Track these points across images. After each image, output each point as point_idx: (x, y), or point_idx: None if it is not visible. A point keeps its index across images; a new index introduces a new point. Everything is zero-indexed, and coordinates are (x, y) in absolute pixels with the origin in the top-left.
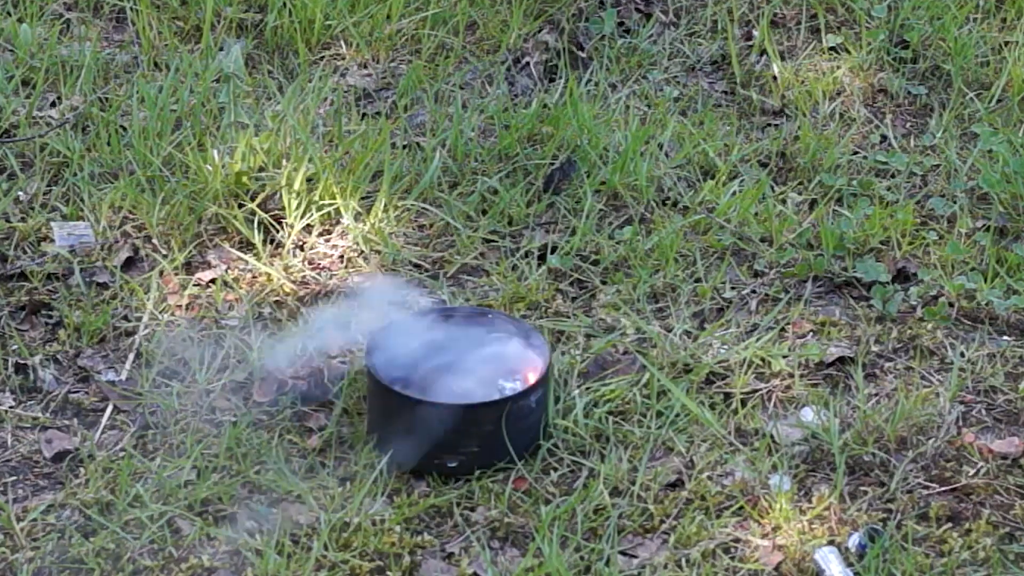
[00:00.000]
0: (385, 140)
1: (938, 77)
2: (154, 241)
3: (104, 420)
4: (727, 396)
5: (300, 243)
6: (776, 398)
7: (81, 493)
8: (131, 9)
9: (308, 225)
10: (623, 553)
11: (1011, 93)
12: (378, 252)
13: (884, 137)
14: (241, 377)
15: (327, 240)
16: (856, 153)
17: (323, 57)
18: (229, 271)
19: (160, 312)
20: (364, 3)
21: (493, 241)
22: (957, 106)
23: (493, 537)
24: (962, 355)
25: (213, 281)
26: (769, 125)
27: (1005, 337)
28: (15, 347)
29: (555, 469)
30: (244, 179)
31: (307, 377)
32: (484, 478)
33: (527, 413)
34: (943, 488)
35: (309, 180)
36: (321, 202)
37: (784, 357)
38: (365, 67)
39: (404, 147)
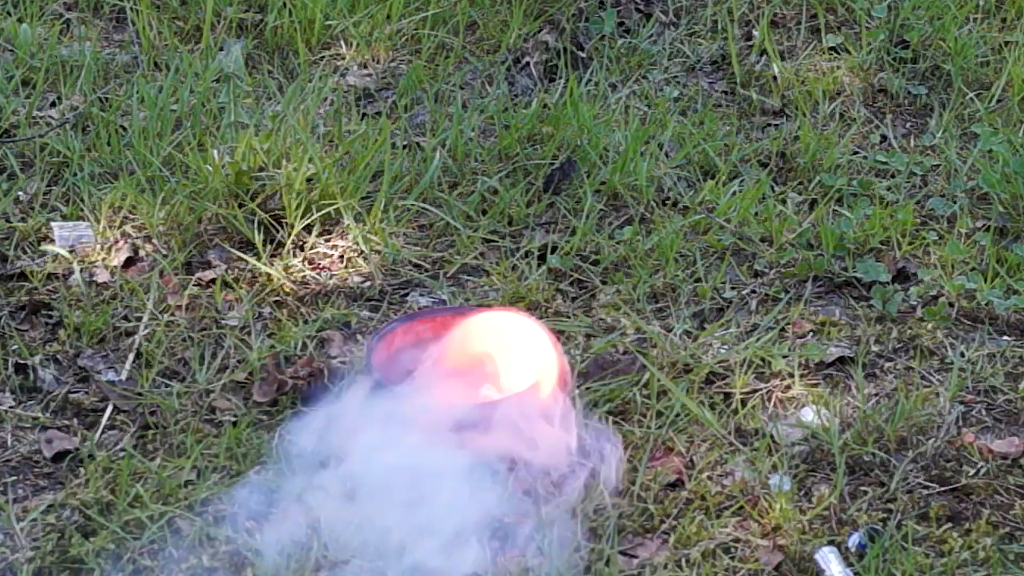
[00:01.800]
0: (385, 140)
1: (938, 77)
2: (154, 241)
3: (104, 420)
4: (727, 396)
5: (300, 243)
6: (776, 398)
7: (81, 493)
8: (131, 9)
9: (308, 225)
10: (623, 553)
11: (1011, 93)
12: (378, 252)
13: (884, 137)
14: (241, 377)
15: (327, 240)
16: (856, 153)
17: (323, 57)
18: (229, 271)
19: (160, 312)
20: (364, 3)
21: (493, 241)
22: (957, 106)
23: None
24: (962, 355)
25: (213, 281)
26: (769, 125)
27: (1005, 337)
28: (15, 347)
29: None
30: (244, 179)
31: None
32: None
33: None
34: (943, 488)
35: (309, 180)
36: (321, 202)
37: (784, 357)
38: (365, 67)
39: (404, 147)
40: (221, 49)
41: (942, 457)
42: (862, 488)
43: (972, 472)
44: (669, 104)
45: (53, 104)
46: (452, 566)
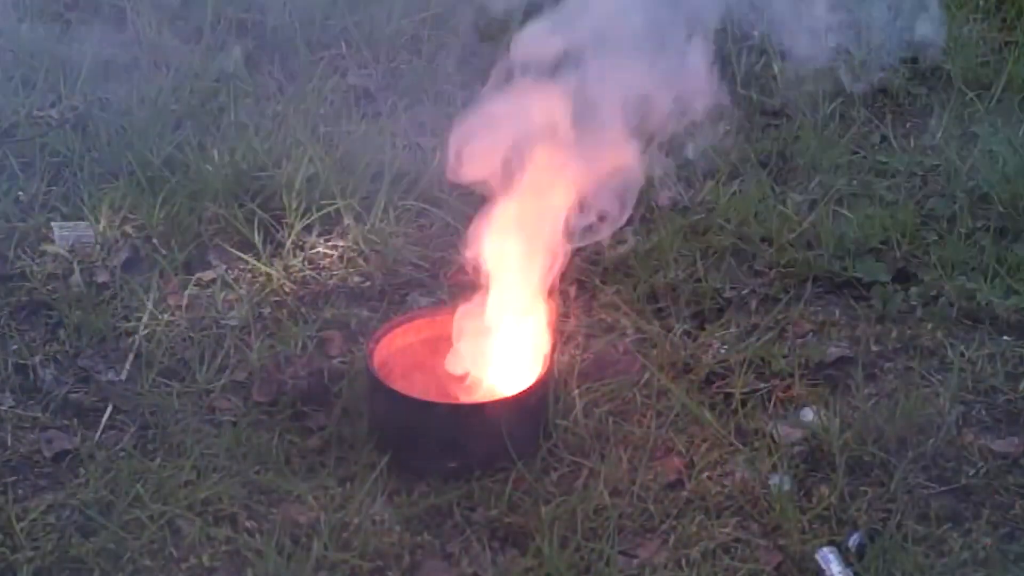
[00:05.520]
0: (385, 140)
1: (938, 77)
2: (154, 241)
3: (104, 420)
4: (727, 396)
5: (300, 243)
6: (776, 398)
7: (81, 493)
8: (131, 9)
9: (308, 225)
10: (623, 553)
11: (1011, 93)
12: (378, 252)
13: (884, 137)
14: (241, 377)
15: (327, 240)
16: (856, 153)
17: (323, 57)
18: (229, 271)
19: (160, 312)
20: (364, 3)
21: None
22: (957, 106)
23: (493, 537)
24: (962, 355)
25: (213, 281)
26: (769, 125)
27: (1005, 337)
28: (15, 347)
29: (555, 469)
30: (244, 179)
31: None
32: (484, 478)
33: (527, 413)
34: (943, 488)
35: (309, 180)
36: (321, 202)
37: (784, 357)
38: (365, 67)
39: (404, 147)
40: (221, 49)
41: (942, 457)
42: (862, 488)
43: (972, 472)
44: None
45: (53, 104)
46: None
